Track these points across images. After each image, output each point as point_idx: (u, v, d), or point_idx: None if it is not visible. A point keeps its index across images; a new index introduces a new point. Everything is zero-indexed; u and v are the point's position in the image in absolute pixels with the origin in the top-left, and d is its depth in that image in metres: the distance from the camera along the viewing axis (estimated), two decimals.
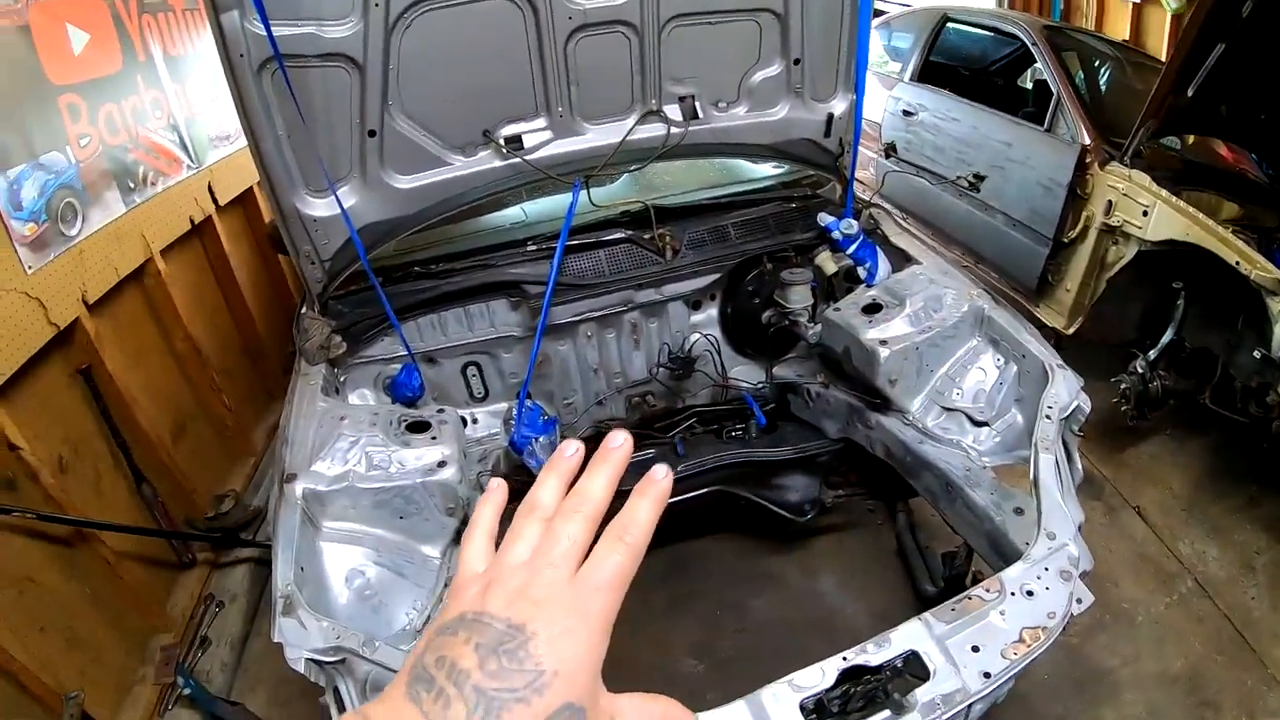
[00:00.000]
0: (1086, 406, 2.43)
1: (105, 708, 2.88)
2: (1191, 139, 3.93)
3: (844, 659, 1.67)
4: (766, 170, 3.53)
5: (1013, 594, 1.81)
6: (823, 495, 3.28)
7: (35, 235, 2.94)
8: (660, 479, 0.67)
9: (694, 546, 3.67)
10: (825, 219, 3.07)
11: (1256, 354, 3.16)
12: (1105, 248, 3.73)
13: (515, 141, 2.83)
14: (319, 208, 2.75)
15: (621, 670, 2.59)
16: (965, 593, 1.83)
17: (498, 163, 2.85)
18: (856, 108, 2.97)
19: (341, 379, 2.90)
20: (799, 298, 3.02)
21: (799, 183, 3.41)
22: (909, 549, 3.49)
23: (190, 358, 3.90)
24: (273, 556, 2.08)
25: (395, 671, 1.26)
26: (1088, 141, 3.77)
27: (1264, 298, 3.07)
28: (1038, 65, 4.39)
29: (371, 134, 2.67)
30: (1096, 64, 4.54)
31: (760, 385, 3.30)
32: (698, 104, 2.97)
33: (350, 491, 2.30)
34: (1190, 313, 3.60)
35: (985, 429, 2.70)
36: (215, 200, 4.19)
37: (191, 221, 3.99)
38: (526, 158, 2.81)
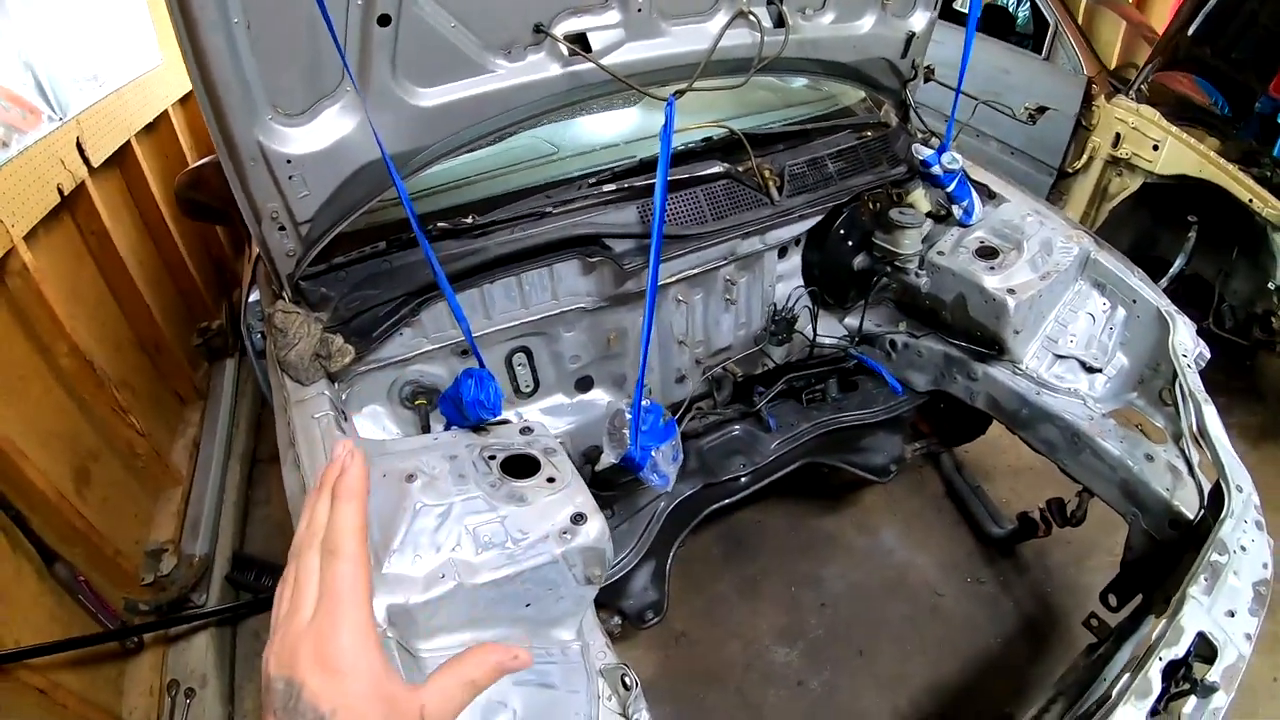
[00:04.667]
0: (1208, 353, 2.03)
1: None
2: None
3: (1160, 658, 1.32)
4: (802, 92, 2.53)
5: (1233, 551, 1.50)
6: (904, 452, 2.48)
7: None
8: (350, 469, 0.62)
9: (742, 518, 2.82)
10: (923, 151, 2.16)
11: (1271, 285, 2.82)
12: (1109, 179, 3.16)
13: (578, 41, 1.66)
14: (294, 141, 1.47)
15: (715, 672, 2.43)
16: (1203, 560, 1.48)
17: (555, 70, 1.66)
18: (969, 27, 2.03)
19: (343, 396, 1.66)
20: (910, 242, 2.11)
21: (847, 109, 2.43)
22: (963, 491, 2.92)
23: (81, 375, 2.36)
24: None
25: None
26: (1092, 73, 3.11)
27: (1269, 233, 2.76)
28: None
29: (384, 21, 1.41)
30: None
31: (846, 340, 2.38)
32: (784, 8, 1.92)
33: (458, 594, 1.17)
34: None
35: (1099, 375, 2.13)
36: (87, 161, 2.59)
37: (60, 192, 2.41)
38: (600, 64, 1.64)
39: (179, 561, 2.37)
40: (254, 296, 1.91)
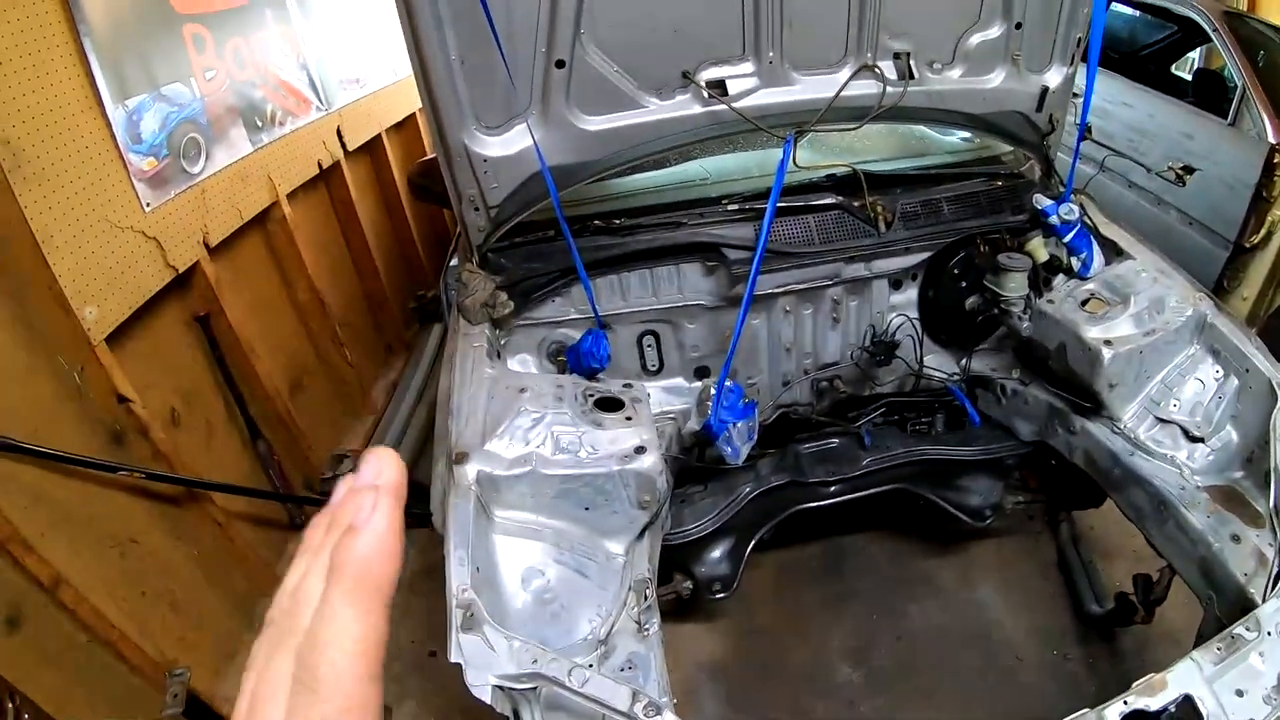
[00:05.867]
0: None
1: (205, 676, 2.32)
2: None
3: (1125, 703, 1.38)
4: (955, 143, 2.85)
5: (1269, 633, 1.49)
6: (1004, 500, 2.65)
7: (154, 171, 2.38)
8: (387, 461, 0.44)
9: (848, 541, 3.09)
10: (1042, 201, 2.40)
11: None
12: None
13: (718, 87, 2.17)
14: (491, 146, 2.12)
15: (778, 671, 2.65)
16: (1227, 631, 1.50)
17: (697, 109, 2.19)
18: (1088, 83, 2.27)
19: (502, 341, 2.27)
20: (1015, 286, 2.35)
21: (995, 159, 2.72)
22: (1073, 563, 2.91)
23: (312, 308, 3.28)
24: (445, 552, 1.53)
25: (603, 706, 1.28)
26: (1276, 140, 3.06)
27: None
28: (1194, 53, 3.60)
29: (560, 65, 2.02)
30: (1273, 54, 3.63)
31: (954, 377, 2.64)
32: (912, 63, 2.29)
33: (532, 478, 1.71)
34: None
35: (1200, 445, 2.13)
36: (344, 145, 3.56)
37: (319, 166, 3.37)
38: (732, 105, 2.14)
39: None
40: (454, 261, 2.63)
